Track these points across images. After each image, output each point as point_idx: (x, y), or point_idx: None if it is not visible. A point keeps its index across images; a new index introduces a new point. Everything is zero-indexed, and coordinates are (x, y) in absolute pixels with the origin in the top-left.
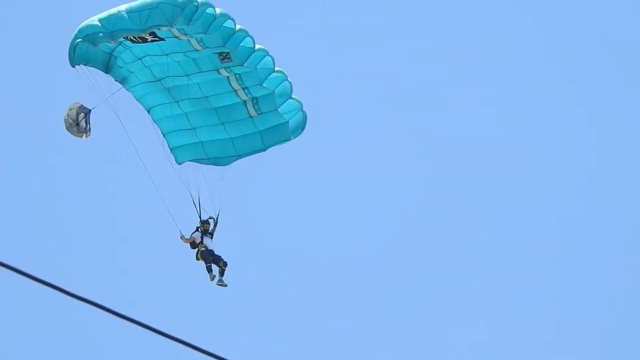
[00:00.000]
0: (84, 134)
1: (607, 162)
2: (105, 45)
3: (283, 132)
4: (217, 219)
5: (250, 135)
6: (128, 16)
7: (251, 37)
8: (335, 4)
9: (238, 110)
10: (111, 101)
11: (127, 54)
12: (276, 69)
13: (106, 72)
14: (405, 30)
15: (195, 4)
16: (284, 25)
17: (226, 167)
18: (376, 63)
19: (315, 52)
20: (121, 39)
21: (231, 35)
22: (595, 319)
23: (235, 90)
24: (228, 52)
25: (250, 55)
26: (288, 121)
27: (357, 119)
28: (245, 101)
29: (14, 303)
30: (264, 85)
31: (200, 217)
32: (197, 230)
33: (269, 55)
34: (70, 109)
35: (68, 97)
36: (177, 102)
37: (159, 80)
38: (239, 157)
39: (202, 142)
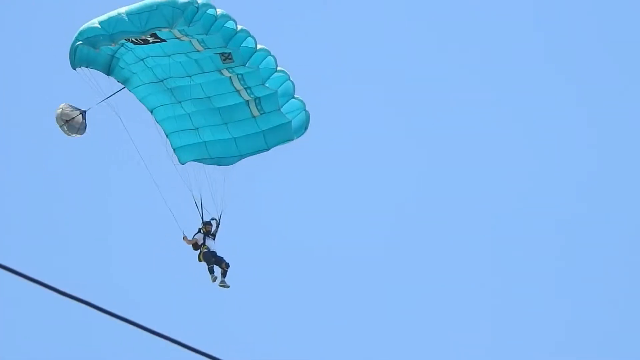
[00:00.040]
0: (77, 133)
1: (607, 162)
2: (107, 47)
3: (286, 132)
4: (219, 220)
5: (253, 135)
6: (128, 18)
7: (253, 37)
8: (336, 4)
9: (241, 110)
10: (112, 102)
11: (129, 55)
12: (278, 68)
13: (108, 74)
14: (406, 30)
15: (196, 5)
16: (285, 25)
17: (229, 167)
18: (377, 63)
19: (316, 52)
20: (122, 41)
21: (232, 35)
22: (595, 319)
23: (237, 91)
24: (230, 53)
25: (252, 55)
26: (291, 121)
27: (358, 119)
28: (247, 101)
29: (13, 304)
30: (266, 85)
31: (202, 219)
32: (199, 231)
33: (270, 55)
34: (62, 109)
35: (68, 98)
36: (180, 102)
37: (162, 81)
38: (242, 157)
39: (205, 142)
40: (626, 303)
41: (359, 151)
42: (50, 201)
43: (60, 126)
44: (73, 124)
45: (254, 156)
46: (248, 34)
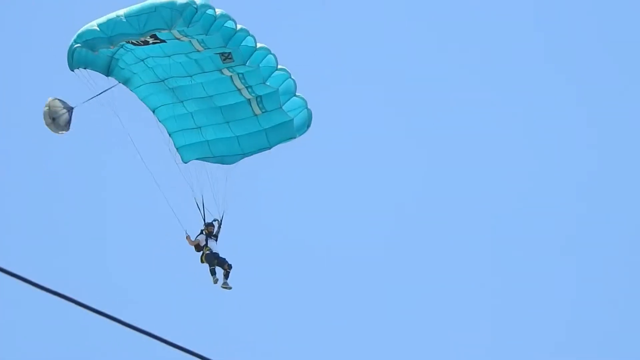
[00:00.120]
0: (63, 130)
1: (607, 162)
2: (105, 49)
3: (288, 130)
4: (221, 220)
5: (255, 134)
6: (127, 20)
7: (252, 37)
8: (336, 3)
9: (242, 109)
10: (112, 102)
11: (129, 56)
12: (279, 67)
13: (107, 75)
14: (406, 30)
15: (195, 6)
16: (284, 25)
17: (231, 166)
18: (377, 63)
19: (316, 51)
20: (122, 43)
21: (232, 35)
22: (595, 319)
23: (238, 89)
24: (230, 53)
25: (252, 54)
26: (293, 119)
27: (358, 119)
28: (249, 100)
29: (13, 304)
30: (267, 83)
31: (204, 220)
32: (201, 233)
33: (271, 54)
34: (50, 107)
35: (68, 98)
36: (182, 101)
37: (163, 80)
38: (245, 155)
39: (207, 140)
40: (626, 303)
41: (360, 151)
42: (51, 201)
43: (48, 124)
44: (59, 122)
45: (254, 156)
46: (247, 33)
